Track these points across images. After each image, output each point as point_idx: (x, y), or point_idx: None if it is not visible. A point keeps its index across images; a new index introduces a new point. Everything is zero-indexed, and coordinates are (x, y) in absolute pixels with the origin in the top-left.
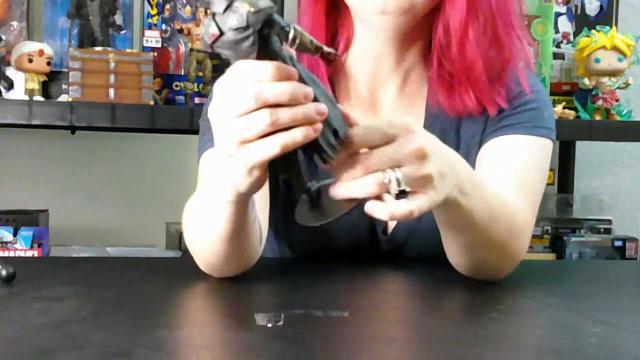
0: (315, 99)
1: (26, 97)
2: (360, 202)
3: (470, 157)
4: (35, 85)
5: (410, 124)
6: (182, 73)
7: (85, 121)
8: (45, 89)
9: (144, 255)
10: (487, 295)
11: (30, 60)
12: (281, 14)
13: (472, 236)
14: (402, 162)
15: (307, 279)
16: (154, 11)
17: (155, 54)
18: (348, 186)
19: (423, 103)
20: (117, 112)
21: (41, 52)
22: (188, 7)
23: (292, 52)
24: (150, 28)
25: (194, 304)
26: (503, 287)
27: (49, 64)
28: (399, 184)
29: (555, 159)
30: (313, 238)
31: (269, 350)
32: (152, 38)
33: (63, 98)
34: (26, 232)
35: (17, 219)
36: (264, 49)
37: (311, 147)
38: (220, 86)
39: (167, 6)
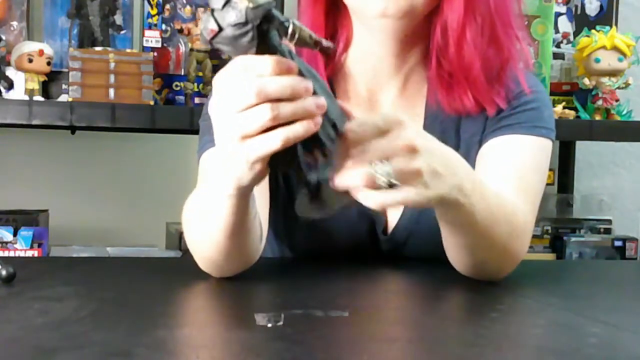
0: (314, 93)
1: (26, 97)
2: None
3: (470, 157)
4: (35, 85)
5: (403, 120)
6: (182, 73)
7: (85, 121)
8: (45, 89)
9: (144, 255)
10: (487, 295)
11: (30, 60)
12: (281, 13)
13: (473, 236)
14: (392, 156)
15: (307, 279)
16: (154, 11)
17: (155, 54)
18: (340, 177)
19: (423, 103)
20: (117, 112)
21: (41, 52)
22: (188, 7)
23: (291, 46)
24: (150, 28)
25: (194, 304)
26: (503, 287)
27: (49, 64)
28: (386, 177)
29: (555, 159)
30: (313, 238)
31: (269, 350)
32: (152, 38)
33: (63, 98)
34: (26, 232)
35: (17, 219)
36: (263, 44)
37: (311, 141)
38: (220, 81)
39: (167, 6)
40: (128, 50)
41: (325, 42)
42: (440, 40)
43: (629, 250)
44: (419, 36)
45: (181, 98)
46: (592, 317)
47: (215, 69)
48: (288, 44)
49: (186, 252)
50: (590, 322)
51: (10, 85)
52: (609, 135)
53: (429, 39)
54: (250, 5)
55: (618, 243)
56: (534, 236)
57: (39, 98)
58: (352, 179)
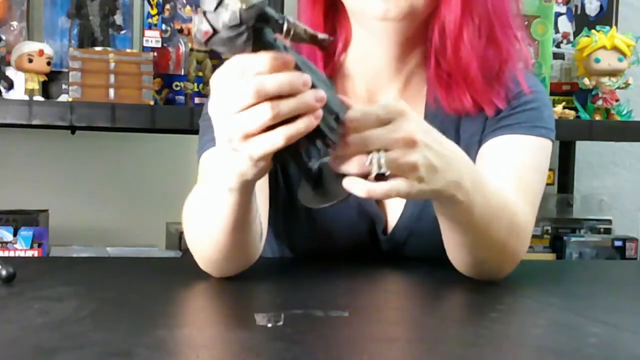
0: (313, 86)
1: (26, 97)
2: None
3: (469, 157)
4: (35, 85)
5: (405, 110)
6: (182, 73)
7: (85, 121)
8: (45, 89)
9: (144, 255)
10: (487, 295)
11: (30, 60)
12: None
13: (472, 234)
14: (390, 146)
15: (307, 279)
16: (154, 11)
17: (155, 54)
18: (337, 163)
19: (422, 103)
20: (117, 112)
21: (41, 52)
22: (188, 7)
23: (287, 43)
24: (150, 28)
25: (194, 304)
26: (503, 287)
27: (49, 64)
28: (379, 167)
29: (555, 159)
30: (313, 238)
31: (269, 350)
32: (152, 38)
33: (63, 98)
34: (26, 232)
35: (17, 219)
36: (259, 43)
37: (313, 132)
38: (217, 81)
39: (167, 6)
40: (128, 50)
41: (321, 35)
42: (438, 41)
43: (629, 250)
44: (420, 39)
45: (181, 98)
46: (592, 317)
47: (215, 69)
48: (284, 41)
49: (186, 252)
50: (590, 322)
51: (10, 85)
52: (609, 135)
53: (429, 41)
54: (244, 6)
55: (618, 243)
56: (534, 236)
57: (39, 98)
58: (347, 165)
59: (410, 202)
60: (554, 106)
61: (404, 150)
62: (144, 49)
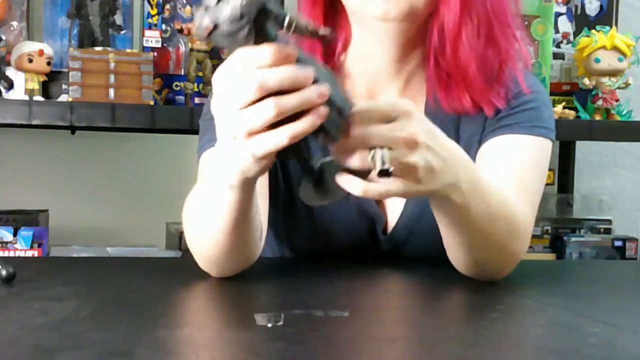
0: (315, 81)
1: (26, 97)
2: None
3: (469, 157)
4: (35, 85)
5: (412, 110)
6: (182, 73)
7: (85, 121)
8: (45, 89)
9: (144, 255)
10: (487, 295)
11: (30, 60)
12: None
13: (470, 235)
14: (392, 144)
15: (307, 279)
16: (154, 11)
17: (155, 54)
18: (339, 156)
19: (422, 102)
20: (117, 112)
21: (41, 52)
22: (188, 7)
23: (288, 38)
24: (150, 28)
25: (194, 304)
26: (503, 287)
27: (49, 64)
28: (383, 163)
29: (555, 159)
30: (313, 238)
31: (269, 350)
32: (152, 38)
33: (63, 98)
34: (26, 232)
35: (17, 219)
36: (260, 36)
37: (317, 129)
38: (220, 78)
39: (167, 6)
40: (128, 50)
41: (322, 30)
42: (437, 41)
43: (629, 250)
44: (420, 39)
45: (181, 98)
46: (592, 317)
47: (216, 69)
48: (285, 36)
49: (186, 252)
50: (590, 322)
51: (10, 85)
52: (609, 135)
53: (428, 41)
54: (244, 0)
55: (618, 243)
56: (534, 236)
57: (39, 98)
58: (350, 159)
59: (410, 202)
60: (554, 106)
61: (405, 150)
62: (144, 49)
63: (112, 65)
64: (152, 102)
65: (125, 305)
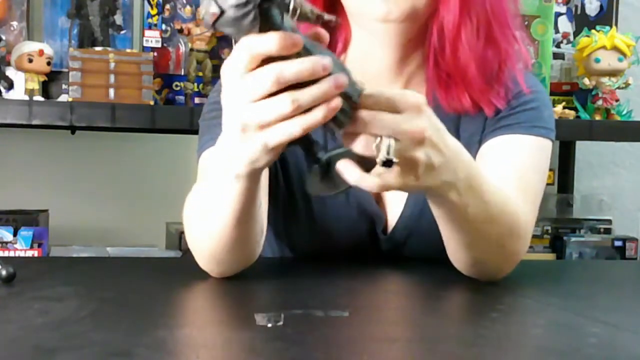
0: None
1: (26, 97)
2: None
3: None
4: (35, 85)
5: (422, 103)
6: (182, 73)
7: (85, 121)
8: (45, 89)
9: (144, 255)
10: (487, 295)
11: (30, 60)
12: None
13: (469, 234)
14: (398, 136)
15: (307, 279)
16: (154, 11)
17: (155, 54)
18: (343, 139)
19: None
20: (117, 112)
21: (41, 52)
22: (188, 7)
23: (293, 23)
24: (150, 28)
25: (194, 304)
26: (503, 287)
27: (49, 64)
28: (388, 152)
29: (555, 159)
30: (313, 238)
31: (269, 350)
32: (152, 38)
33: (63, 98)
34: (26, 232)
35: (17, 219)
36: (266, 23)
37: None
38: (230, 69)
39: (167, 6)
40: (128, 50)
41: (327, 16)
42: (436, 42)
43: (629, 250)
44: (421, 40)
45: (181, 98)
46: (592, 317)
47: (215, 69)
48: (289, 21)
49: (186, 252)
50: (590, 322)
51: (10, 85)
52: (609, 135)
53: (428, 41)
54: None
55: (618, 243)
56: (534, 236)
57: (39, 98)
58: (354, 143)
59: (410, 202)
60: (554, 106)
61: (410, 144)
62: (144, 49)
63: (112, 65)
64: (152, 102)
65: (125, 305)
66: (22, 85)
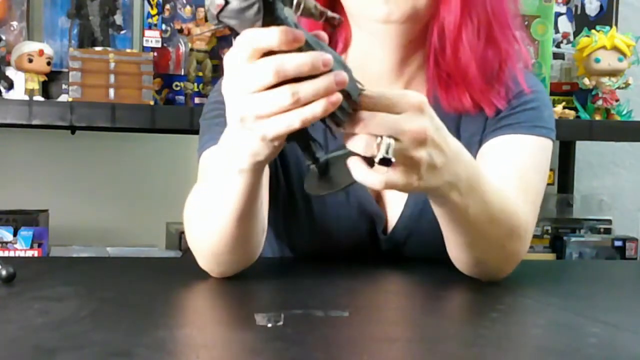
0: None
1: (26, 97)
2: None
3: None
4: (35, 85)
5: (424, 103)
6: (182, 73)
7: (85, 121)
8: (45, 89)
9: (144, 255)
10: (487, 295)
11: (30, 60)
12: None
13: (470, 234)
14: (399, 136)
15: (307, 279)
16: (154, 11)
17: (155, 54)
18: (346, 140)
19: None
20: (117, 112)
21: (41, 52)
22: (188, 7)
23: (296, 18)
24: (150, 28)
25: (194, 304)
26: (503, 287)
27: (49, 64)
28: (387, 152)
29: (555, 159)
30: (313, 238)
31: (269, 350)
32: (152, 38)
33: (63, 98)
34: (26, 232)
35: (17, 219)
36: (269, 16)
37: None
38: (232, 60)
39: (167, 6)
40: (128, 50)
41: (331, 13)
42: (437, 42)
43: (629, 250)
44: (422, 41)
45: (181, 98)
46: (592, 317)
47: (215, 69)
48: (293, 16)
49: (186, 252)
50: (590, 322)
51: (10, 85)
52: (609, 135)
53: (428, 41)
54: None
55: (618, 243)
56: (534, 236)
57: (39, 98)
58: (355, 142)
59: (410, 202)
60: (554, 106)
61: (412, 144)
62: (144, 49)
63: (112, 65)
64: (152, 102)
65: (125, 305)
66: (22, 85)
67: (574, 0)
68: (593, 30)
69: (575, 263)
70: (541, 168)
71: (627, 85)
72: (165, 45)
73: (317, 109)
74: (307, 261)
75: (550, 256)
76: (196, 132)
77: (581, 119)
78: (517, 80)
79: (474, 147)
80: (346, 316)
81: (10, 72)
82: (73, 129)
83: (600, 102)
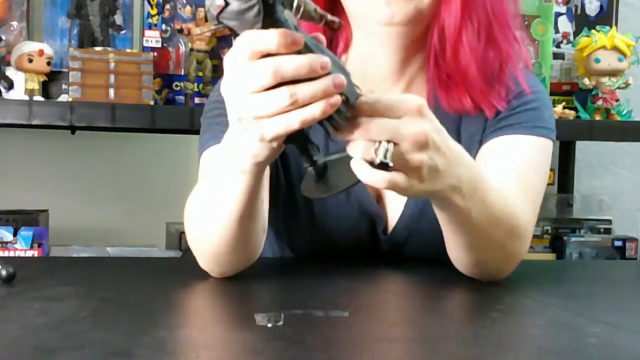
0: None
1: (26, 97)
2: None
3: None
4: (35, 85)
5: (423, 106)
6: (182, 73)
7: (85, 121)
8: (45, 89)
9: (144, 255)
10: (487, 295)
11: (30, 60)
12: None
13: (471, 236)
14: (399, 140)
15: (307, 279)
16: (154, 11)
17: (155, 54)
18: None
19: None
20: (117, 112)
21: (41, 52)
22: (188, 7)
23: (295, 20)
24: (150, 28)
25: (194, 304)
26: (503, 287)
27: (49, 64)
28: (385, 156)
29: (555, 159)
30: (313, 238)
31: (269, 350)
32: (152, 38)
33: (63, 98)
34: (26, 232)
35: (17, 219)
36: (269, 18)
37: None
38: (231, 60)
39: (167, 6)
40: (128, 50)
41: (331, 17)
42: (437, 44)
43: (629, 250)
44: (423, 41)
45: (181, 98)
46: (592, 317)
47: (215, 69)
48: (293, 19)
49: (186, 252)
50: (590, 322)
51: (10, 85)
52: (609, 135)
53: (428, 42)
54: None
55: (618, 243)
56: (534, 236)
57: (39, 98)
58: (353, 148)
59: (410, 202)
60: (554, 106)
61: (413, 147)
62: (144, 49)
63: (112, 65)
64: (152, 102)
65: (125, 305)
66: (22, 85)
67: (574, 0)
68: (593, 30)
69: (575, 263)
70: (541, 168)
71: (627, 85)
72: (165, 45)
73: (316, 110)
74: (307, 261)
75: (550, 256)
76: (196, 132)
77: (581, 119)
78: (518, 80)
79: (474, 147)
80: (346, 316)
81: (10, 72)
82: (73, 129)
83: (600, 102)
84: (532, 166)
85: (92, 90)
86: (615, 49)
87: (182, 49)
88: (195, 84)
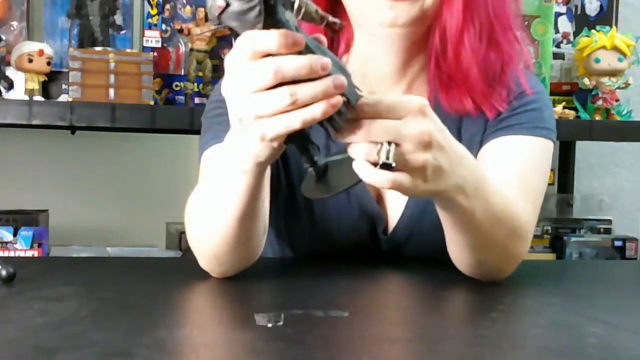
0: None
1: (26, 97)
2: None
3: None
4: (35, 85)
5: (425, 106)
6: (182, 73)
7: (85, 121)
8: (45, 89)
9: (144, 255)
10: (487, 295)
11: (30, 60)
12: None
13: (473, 236)
14: (402, 140)
15: (307, 279)
16: (154, 11)
17: (155, 54)
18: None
19: None
20: (117, 112)
21: (41, 52)
22: (188, 7)
23: (296, 21)
24: (150, 28)
25: (194, 304)
26: (503, 287)
27: (49, 64)
28: (387, 157)
29: (555, 159)
30: (314, 238)
31: (269, 350)
32: (152, 38)
33: (63, 98)
34: (26, 232)
35: (17, 219)
36: (270, 19)
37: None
38: (232, 60)
39: (167, 6)
40: (128, 50)
41: (332, 18)
42: (438, 45)
43: (629, 250)
44: (424, 42)
45: (181, 98)
46: (592, 317)
47: (215, 69)
48: (294, 20)
49: (186, 252)
50: (590, 322)
51: (10, 85)
52: (609, 135)
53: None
54: None
55: (618, 243)
56: (534, 236)
57: (39, 98)
58: (356, 150)
59: (410, 203)
60: (554, 106)
61: (417, 147)
62: (144, 49)
63: (112, 65)
64: (152, 102)
65: (125, 305)
66: (22, 85)
67: (574, 0)
68: (593, 30)
69: (575, 263)
70: (542, 169)
71: (627, 85)
72: (165, 45)
73: (316, 110)
74: (307, 261)
75: (550, 256)
76: (196, 132)
77: (581, 119)
78: (519, 81)
79: (474, 148)
80: (346, 316)
81: (10, 72)
82: (73, 129)
83: (600, 102)
84: (533, 167)
85: (92, 90)
86: (615, 49)
87: (182, 49)
88: (195, 84)
